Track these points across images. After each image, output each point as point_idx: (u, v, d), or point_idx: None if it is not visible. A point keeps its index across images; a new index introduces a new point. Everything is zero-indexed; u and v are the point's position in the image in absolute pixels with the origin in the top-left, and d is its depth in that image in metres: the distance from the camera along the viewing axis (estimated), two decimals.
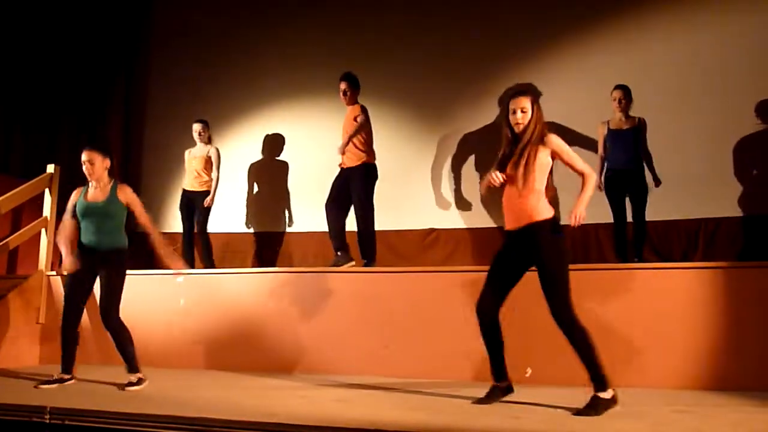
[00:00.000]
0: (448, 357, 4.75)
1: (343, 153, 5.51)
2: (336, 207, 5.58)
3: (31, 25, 6.73)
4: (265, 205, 6.85)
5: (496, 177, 3.51)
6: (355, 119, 5.56)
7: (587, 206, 3.51)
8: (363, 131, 5.56)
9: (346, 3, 6.79)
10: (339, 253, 5.49)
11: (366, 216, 5.46)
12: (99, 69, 7.14)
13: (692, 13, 5.72)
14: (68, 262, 4.39)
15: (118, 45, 7.29)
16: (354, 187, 5.49)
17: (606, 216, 5.55)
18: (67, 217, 4.55)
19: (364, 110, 5.61)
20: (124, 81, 7.35)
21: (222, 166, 6.50)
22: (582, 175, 3.55)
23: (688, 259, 5.36)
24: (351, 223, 5.63)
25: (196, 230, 6.34)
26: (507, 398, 3.69)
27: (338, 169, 5.69)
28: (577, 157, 3.59)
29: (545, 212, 3.51)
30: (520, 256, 3.58)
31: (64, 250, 4.46)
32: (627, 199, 5.30)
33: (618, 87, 5.39)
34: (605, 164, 5.45)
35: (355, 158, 5.52)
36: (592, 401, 3.34)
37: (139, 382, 4.36)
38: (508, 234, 3.64)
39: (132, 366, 4.40)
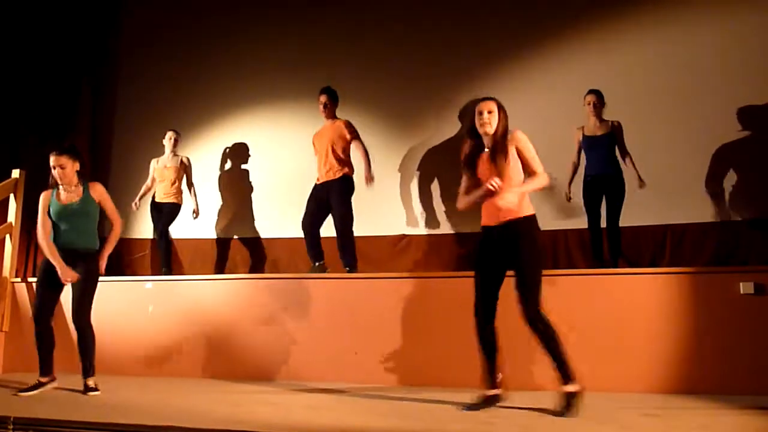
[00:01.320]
0: (418, 363, 4.75)
1: (371, 180, 5.57)
2: (314, 222, 5.64)
3: None
4: (236, 211, 6.80)
5: (496, 183, 3.49)
6: (352, 136, 5.63)
7: (515, 198, 3.51)
8: (347, 146, 5.66)
9: (316, 11, 6.78)
10: (317, 264, 5.55)
11: (349, 227, 5.52)
12: (66, 74, 7.01)
13: (669, 16, 5.76)
14: (69, 273, 4.34)
15: (85, 50, 7.16)
16: (336, 198, 5.54)
17: (575, 222, 5.62)
18: (45, 221, 4.48)
19: (351, 126, 5.68)
20: (91, 87, 7.22)
21: (193, 170, 6.48)
22: (534, 174, 3.63)
23: (656, 265, 5.43)
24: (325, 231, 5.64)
25: (155, 236, 6.36)
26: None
27: (308, 174, 5.73)
28: (538, 161, 3.65)
29: (528, 209, 3.61)
30: (501, 253, 3.61)
31: (57, 262, 4.37)
32: (603, 204, 5.34)
33: (591, 92, 5.43)
34: (576, 171, 5.51)
35: (338, 171, 5.58)
36: (568, 399, 3.47)
37: (97, 386, 4.38)
38: (489, 230, 3.66)
39: (90, 370, 4.41)
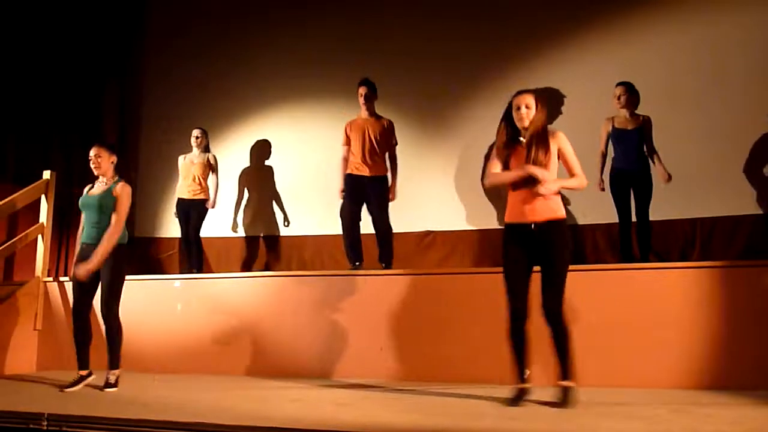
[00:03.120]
0: (443, 359, 4.74)
1: (394, 196, 5.67)
2: (356, 220, 5.58)
3: (22, 30, 6.72)
4: (262, 209, 6.85)
5: (540, 172, 3.51)
6: (396, 143, 5.68)
7: (556, 188, 3.59)
8: (390, 149, 5.68)
9: (342, 6, 6.79)
10: (357, 264, 5.54)
11: (391, 229, 5.59)
12: (93, 73, 7.12)
13: (693, 10, 5.68)
14: (76, 270, 4.41)
15: (111, 51, 7.27)
16: (378, 202, 5.54)
17: (603, 217, 5.56)
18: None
19: (392, 127, 5.71)
20: (118, 85, 7.33)
21: (219, 169, 6.53)
22: (574, 174, 3.68)
23: (686, 259, 5.36)
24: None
25: (190, 236, 6.35)
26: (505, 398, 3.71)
27: (332, 172, 5.74)
28: (578, 163, 3.68)
29: (562, 210, 3.64)
30: (531, 251, 3.61)
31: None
32: (632, 199, 5.25)
33: (620, 84, 5.29)
34: (605, 161, 5.38)
35: (383, 169, 5.60)
36: (567, 393, 3.53)
37: (116, 382, 4.42)
38: (517, 227, 3.64)
39: (115, 362, 4.46)
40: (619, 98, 5.28)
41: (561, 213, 3.61)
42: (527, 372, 3.72)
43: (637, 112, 5.29)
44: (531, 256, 3.62)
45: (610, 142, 5.35)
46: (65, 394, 4.30)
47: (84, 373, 4.53)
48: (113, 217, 4.44)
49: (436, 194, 6.24)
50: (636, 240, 5.20)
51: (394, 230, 5.75)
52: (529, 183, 3.56)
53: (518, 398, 3.64)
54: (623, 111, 5.28)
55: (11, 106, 6.66)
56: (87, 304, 4.52)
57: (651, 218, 5.19)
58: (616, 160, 5.30)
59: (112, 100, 7.26)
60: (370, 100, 5.63)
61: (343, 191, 5.61)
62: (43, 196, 5.92)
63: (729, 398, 3.79)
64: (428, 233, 6.22)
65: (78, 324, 4.50)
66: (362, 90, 5.63)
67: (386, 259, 5.55)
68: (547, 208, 3.57)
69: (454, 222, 6.15)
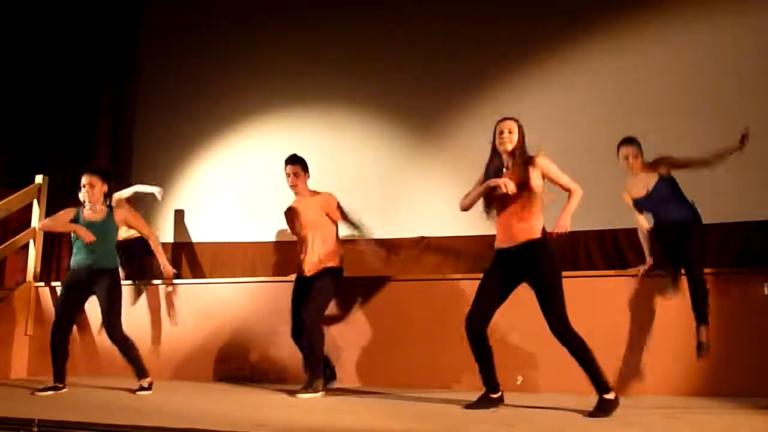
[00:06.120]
0: (438, 365, 4.74)
1: None
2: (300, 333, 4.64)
3: (17, 31, 6.71)
4: (255, 214, 6.83)
5: (507, 185, 3.64)
6: (340, 216, 4.86)
7: (568, 222, 3.65)
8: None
9: (342, 8, 6.78)
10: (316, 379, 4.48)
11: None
12: (86, 76, 7.09)
13: (690, 15, 5.68)
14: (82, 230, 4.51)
15: (106, 52, 7.23)
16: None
17: (594, 224, 5.54)
18: (57, 216, 4.68)
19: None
20: (112, 89, 7.29)
21: (213, 175, 6.46)
22: (568, 190, 3.76)
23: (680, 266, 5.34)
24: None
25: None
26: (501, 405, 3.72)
27: (328, 177, 5.70)
28: (564, 175, 3.78)
29: (539, 232, 3.71)
30: (514, 273, 3.74)
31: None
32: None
33: (624, 142, 4.47)
34: (649, 236, 4.54)
35: (332, 259, 4.71)
36: (601, 404, 3.52)
37: (150, 386, 4.54)
38: (502, 252, 3.79)
39: (141, 372, 4.57)
40: (630, 159, 4.44)
41: (537, 234, 3.69)
42: (519, 378, 3.77)
43: (647, 160, 4.49)
44: (515, 278, 3.74)
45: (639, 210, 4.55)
46: (56, 400, 4.27)
47: (59, 385, 4.58)
48: (147, 233, 4.85)
49: (430, 200, 6.24)
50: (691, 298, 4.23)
51: (389, 236, 5.71)
52: (507, 205, 3.72)
53: (480, 403, 3.73)
54: (635, 174, 4.47)
55: (4, 109, 6.63)
56: (72, 320, 4.67)
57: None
58: (653, 222, 4.50)
59: (106, 103, 7.22)
60: (297, 176, 4.87)
61: None
62: (35, 201, 5.89)
63: (723, 405, 3.81)
64: (422, 239, 6.21)
65: (60, 335, 4.56)
66: (289, 169, 4.88)
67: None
68: (524, 230, 3.69)
69: (448, 228, 6.15)
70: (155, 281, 5.77)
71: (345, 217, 4.89)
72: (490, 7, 6.31)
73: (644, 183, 4.42)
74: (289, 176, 4.86)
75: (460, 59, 6.27)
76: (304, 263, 4.74)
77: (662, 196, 4.36)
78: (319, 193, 4.90)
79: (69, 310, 4.62)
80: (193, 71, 7.12)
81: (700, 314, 4.09)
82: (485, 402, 3.76)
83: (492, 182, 3.74)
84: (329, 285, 4.66)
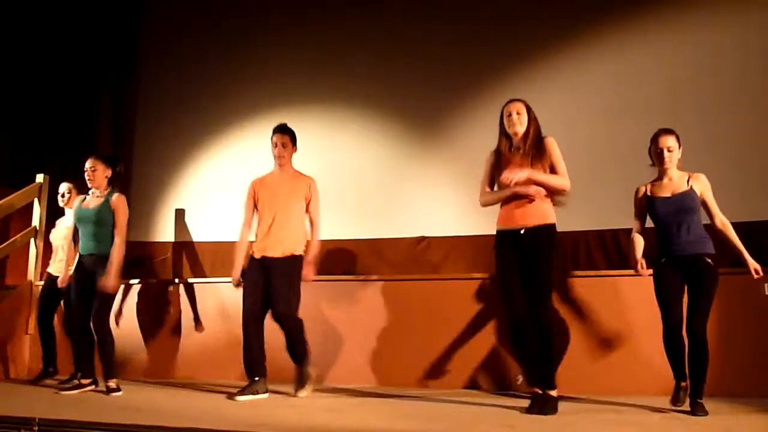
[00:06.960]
0: (439, 365, 4.75)
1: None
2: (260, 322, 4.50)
3: (17, 33, 6.71)
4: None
5: (520, 175, 3.57)
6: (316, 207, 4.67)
7: (536, 179, 3.62)
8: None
9: (342, 11, 6.78)
10: (257, 379, 4.47)
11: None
12: (86, 79, 7.10)
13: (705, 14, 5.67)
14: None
15: (106, 55, 7.24)
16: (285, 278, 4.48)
17: (594, 223, 5.54)
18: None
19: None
20: (112, 91, 7.30)
21: (213, 174, 6.47)
22: (558, 174, 3.72)
23: None
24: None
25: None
26: (499, 405, 3.72)
27: (328, 177, 5.70)
28: (563, 164, 3.74)
29: (553, 216, 3.68)
30: (522, 255, 3.65)
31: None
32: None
33: (668, 131, 3.90)
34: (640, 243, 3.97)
35: (300, 246, 4.55)
36: (549, 401, 3.53)
37: (118, 387, 4.46)
38: (508, 233, 3.69)
39: (110, 372, 4.49)
40: (669, 150, 3.84)
41: (551, 219, 3.66)
42: (519, 378, 3.75)
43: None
44: (521, 259, 3.66)
45: (650, 215, 3.95)
46: (56, 399, 4.27)
47: (85, 381, 4.55)
48: (115, 231, 4.55)
49: (430, 200, 6.24)
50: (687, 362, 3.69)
51: (389, 236, 5.68)
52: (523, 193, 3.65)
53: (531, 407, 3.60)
54: (668, 171, 3.87)
55: (5, 109, 6.63)
56: (87, 310, 4.48)
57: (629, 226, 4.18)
58: (661, 243, 3.85)
59: (107, 103, 7.22)
60: (285, 147, 4.66)
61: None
62: (36, 200, 5.90)
63: (722, 405, 3.80)
64: (422, 239, 6.21)
65: (78, 329, 4.53)
66: (278, 138, 4.67)
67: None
68: (538, 213, 3.63)
69: (449, 228, 6.15)
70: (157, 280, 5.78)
71: (314, 210, 4.65)
72: (490, 8, 6.31)
73: (671, 185, 3.85)
74: (276, 146, 4.53)
75: (460, 59, 6.27)
76: (265, 242, 4.42)
77: (685, 207, 3.77)
78: (303, 174, 4.65)
79: (81, 301, 4.50)
80: (193, 71, 7.12)
81: (696, 389, 3.58)
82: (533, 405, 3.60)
83: (517, 190, 3.62)
84: (299, 273, 4.46)
